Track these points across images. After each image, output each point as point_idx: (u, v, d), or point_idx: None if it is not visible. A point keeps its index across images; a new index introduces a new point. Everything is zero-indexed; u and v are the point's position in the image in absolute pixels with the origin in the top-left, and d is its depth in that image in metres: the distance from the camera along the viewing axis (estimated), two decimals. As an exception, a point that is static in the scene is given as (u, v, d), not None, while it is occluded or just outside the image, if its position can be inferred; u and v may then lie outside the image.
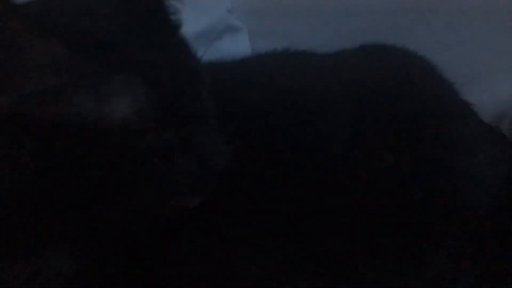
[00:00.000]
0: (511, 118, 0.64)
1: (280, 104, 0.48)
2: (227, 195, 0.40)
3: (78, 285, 0.36)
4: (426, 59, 0.54)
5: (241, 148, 0.39)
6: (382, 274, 0.45)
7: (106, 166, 0.32)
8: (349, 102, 0.49)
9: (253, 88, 0.49)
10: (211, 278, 0.40)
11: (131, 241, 0.37)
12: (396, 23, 0.68)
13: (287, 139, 0.46)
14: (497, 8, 0.66)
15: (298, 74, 0.53)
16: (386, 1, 0.69)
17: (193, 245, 0.40)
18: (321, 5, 0.71)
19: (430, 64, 0.54)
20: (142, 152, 0.33)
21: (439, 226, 0.45)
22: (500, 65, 0.66)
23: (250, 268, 0.41)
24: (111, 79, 0.31)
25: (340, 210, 0.44)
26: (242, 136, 0.40)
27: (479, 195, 0.47)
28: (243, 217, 0.42)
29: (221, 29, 0.79)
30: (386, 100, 0.49)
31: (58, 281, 0.36)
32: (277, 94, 0.49)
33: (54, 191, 0.32)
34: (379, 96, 0.49)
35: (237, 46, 0.78)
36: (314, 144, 0.46)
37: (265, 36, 0.77)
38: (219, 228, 0.41)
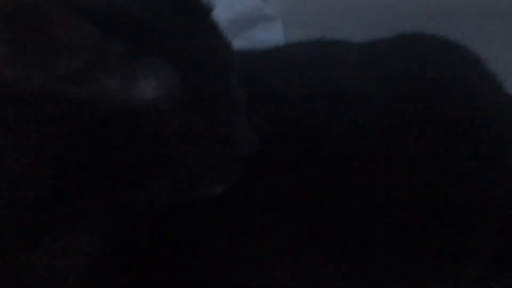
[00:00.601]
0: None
1: (313, 93, 0.47)
2: (254, 183, 0.39)
3: (103, 265, 0.36)
4: (468, 49, 0.52)
5: (271, 136, 0.38)
6: (417, 276, 0.43)
7: (132, 148, 0.32)
8: (386, 92, 0.47)
9: (286, 76, 0.48)
10: (238, 268, 0.39)
11: (156, 227, 0.37)
12: (431, 20, 0.66)
13: (319, 128, 0.44)
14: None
15: (332, 63, 0.51)
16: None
17: (219, 233, 0.39)
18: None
19: (473, 55, 0.51)
20: (168, 135, 0.32)
21: (480, 226, 0.43)
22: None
23: (278, 262, 0.40)
24: (139, 61, 0.31)
25: (374, 204, 0.43)
26: (272, 124, 0.39)
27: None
28: (270, 207, 0.41)
29: (255, 18, 0.78)
30: (425, 91, 0.47)
31: (84, 260, 0.36)
32: (310, 83, 0.48)
33: (79, 172, 0.32)
34: (418, 86, 0.47)
35: (270, 35, 0.77)
36: (347, 135, 0.45)
37: (299, 26, 0.76)
38: (245, 217, 0.40)
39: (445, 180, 0.44)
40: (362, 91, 0.48)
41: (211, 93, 0.34)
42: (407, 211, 0.43)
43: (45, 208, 0.34)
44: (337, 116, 0.46)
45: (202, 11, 0.37)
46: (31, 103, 0.30)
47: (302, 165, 0.43)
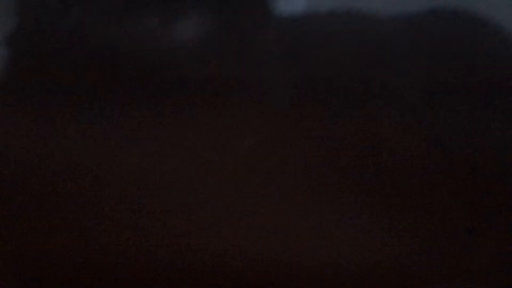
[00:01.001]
0: None
1: (344, 61, 0.46)
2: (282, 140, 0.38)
3: None
4: (501, 26, 0.51)
5: (302, 95, 0.37)
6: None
7: (165, 91, 0.32)
8: (418, 68, 0.47)
9: (315, 43, 0.48)
10: None
11: None
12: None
13: (349, 99, 0.44)
14: None
15: (362, 35, 0.51)
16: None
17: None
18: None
19: (506, 32, 0.51)
20: (205, 80, 0.32)
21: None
22: None
23: None
24: (179, 0, 0.31)
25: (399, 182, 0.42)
26: (303, 83, 0.39)
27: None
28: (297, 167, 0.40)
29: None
30: (459, 69, 0.46)
31: None
32: (337, 55, 0.47)
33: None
34: (451, 64, 0.47)
35: (293, 6, 0.76)
36: (376, 110, 0.44)
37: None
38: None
39: (475, 160, 0.43)
40: (393, 64, 0.47)
41: (249, 41, 0.34)
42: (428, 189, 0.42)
43: None
44: (368, 87, 0.45)
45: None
46: (70, 36, 0.30)
47: (330, 127, 0.42)
